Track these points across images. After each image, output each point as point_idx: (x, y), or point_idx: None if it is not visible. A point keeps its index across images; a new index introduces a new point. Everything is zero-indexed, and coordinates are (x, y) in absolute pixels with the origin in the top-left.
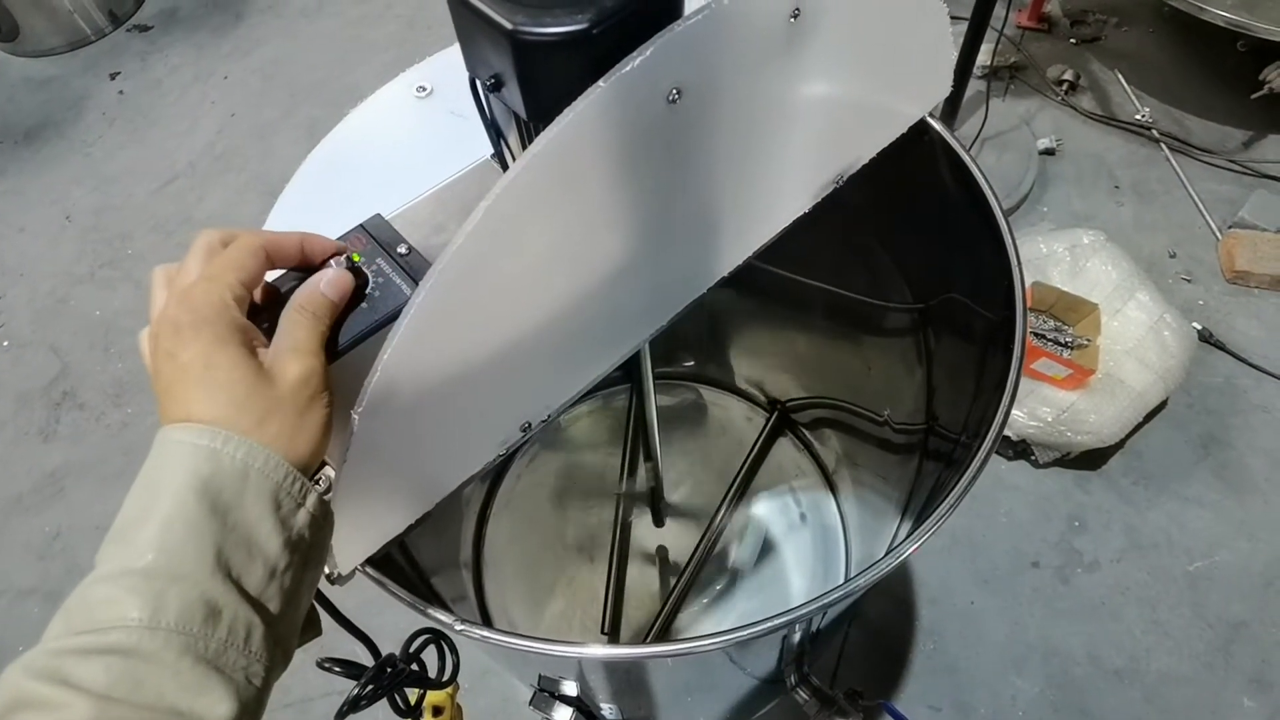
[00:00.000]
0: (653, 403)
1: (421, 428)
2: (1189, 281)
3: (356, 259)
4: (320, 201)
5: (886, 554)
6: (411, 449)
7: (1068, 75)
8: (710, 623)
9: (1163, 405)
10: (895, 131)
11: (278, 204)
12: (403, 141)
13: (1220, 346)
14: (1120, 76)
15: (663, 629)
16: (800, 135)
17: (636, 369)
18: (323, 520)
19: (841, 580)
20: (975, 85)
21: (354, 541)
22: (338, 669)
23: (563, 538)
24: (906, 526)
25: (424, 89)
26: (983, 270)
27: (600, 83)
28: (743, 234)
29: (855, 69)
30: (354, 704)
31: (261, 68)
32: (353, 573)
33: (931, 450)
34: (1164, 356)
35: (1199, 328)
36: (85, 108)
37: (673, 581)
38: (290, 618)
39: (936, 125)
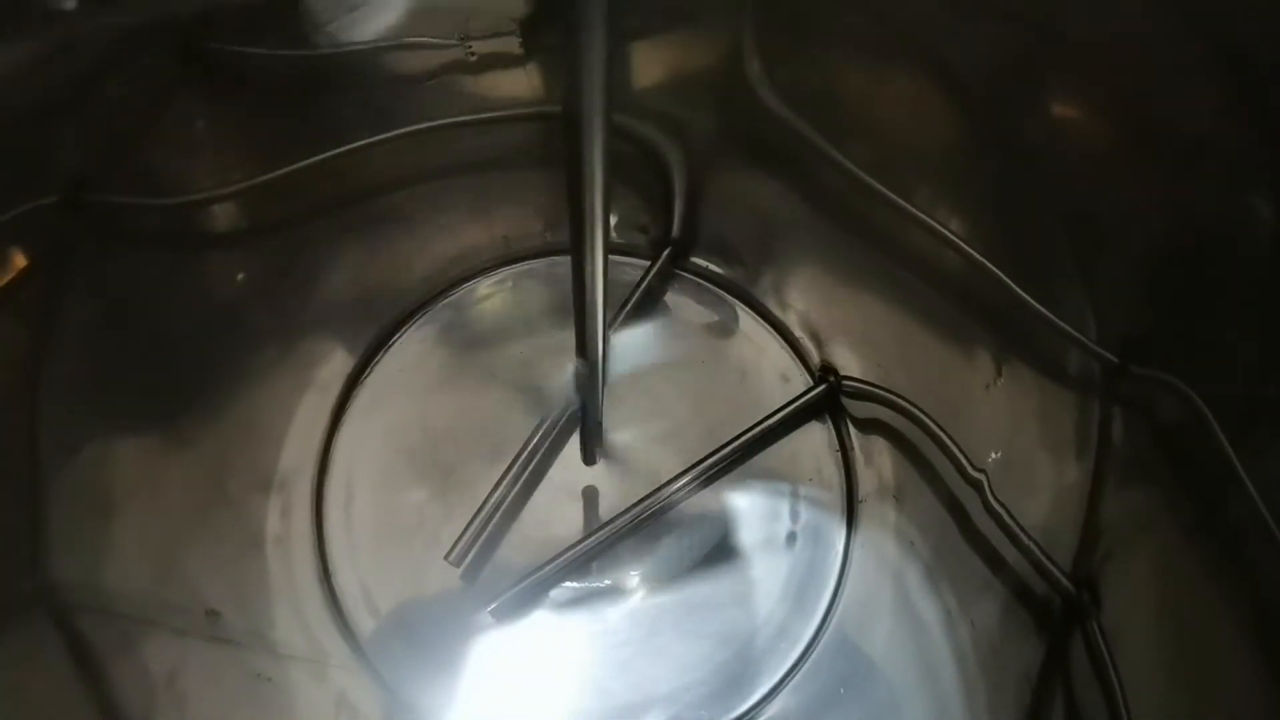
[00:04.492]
0: (600, 261)
1: None
2: None
3: None
4: None
5: None
6: None
7: None
8: (585, 623)
9: None
10: None
11: None
12: None
13: None
14: None
15: (525, 596)
16: None
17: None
18: None
19: (802, 647)
20: None
21: None
22: None
23: (468, 420)
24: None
25: None
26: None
27: None
28: None
29: None
30: None
31: None
32: None
33: (1069, 666)
34: None
35: None
36: None
37: (580, 538)
38: None
39: None
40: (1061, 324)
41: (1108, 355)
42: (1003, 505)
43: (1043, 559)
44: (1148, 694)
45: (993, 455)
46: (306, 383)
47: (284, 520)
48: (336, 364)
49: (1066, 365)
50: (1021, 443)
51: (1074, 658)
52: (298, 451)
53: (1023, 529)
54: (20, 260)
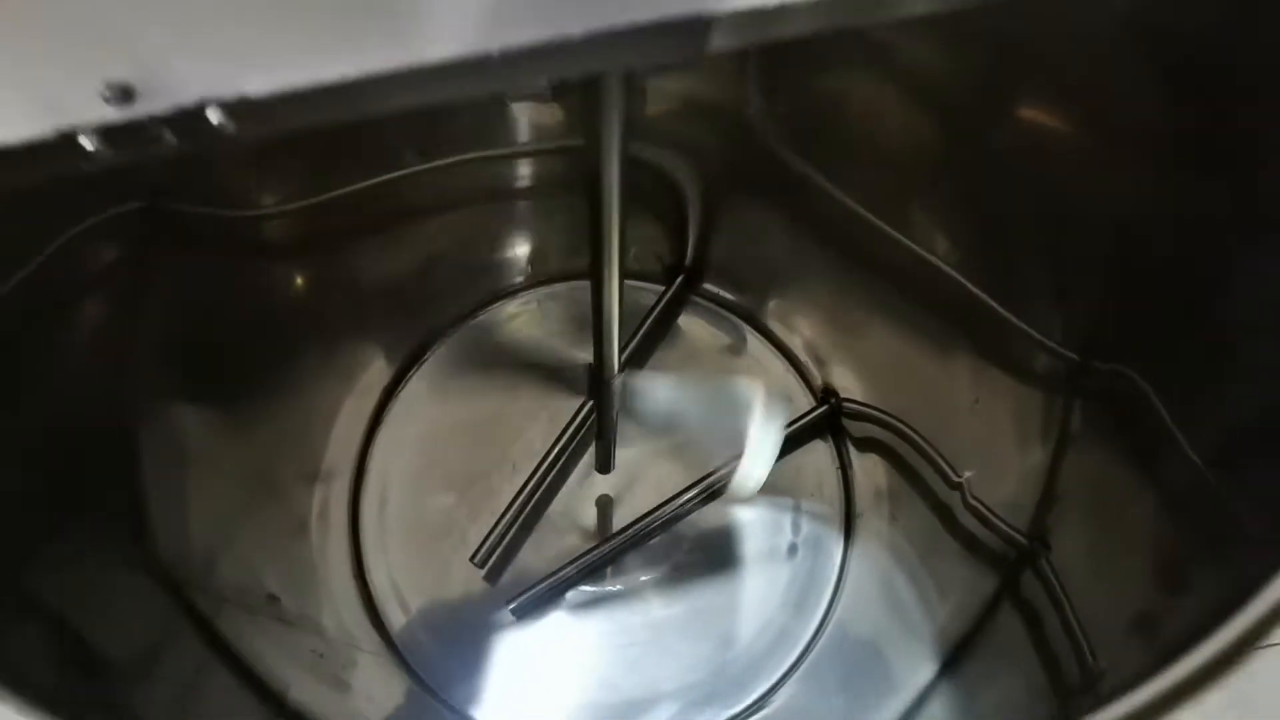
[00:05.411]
0: (615, 288)
1: None
2: None
3: None
4: None
5: None
6: None
7: None
8: (598, 622)
9: None
10: None
11: None
12: None
13: None
14: None
15: (544, 596)
16: None
17: (597, 207)
18: None
19: (801, 647)
20: None
21: None
22: None
23: (494, 430)
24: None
25: None
26: (1218, 376)
27: None
28: None
29: None
30: None
31: None
32: None
33: (1023, 599)
34: None
35: None
36: None
37: (595, 544)
38: None
39: None
40: (1034, 334)
41: (1072, 355)
42: (979, 501)
43: (1008, 529)
44: (1091, 601)
45: (967, 473)
46: (348, 389)
47: (321, 522)
48: (376, 373)
49: (1037, 368)
50: (997, 441)
51: (1025, 584)
52: (338, 453)
53: (998, 516)
54: (111, 254)
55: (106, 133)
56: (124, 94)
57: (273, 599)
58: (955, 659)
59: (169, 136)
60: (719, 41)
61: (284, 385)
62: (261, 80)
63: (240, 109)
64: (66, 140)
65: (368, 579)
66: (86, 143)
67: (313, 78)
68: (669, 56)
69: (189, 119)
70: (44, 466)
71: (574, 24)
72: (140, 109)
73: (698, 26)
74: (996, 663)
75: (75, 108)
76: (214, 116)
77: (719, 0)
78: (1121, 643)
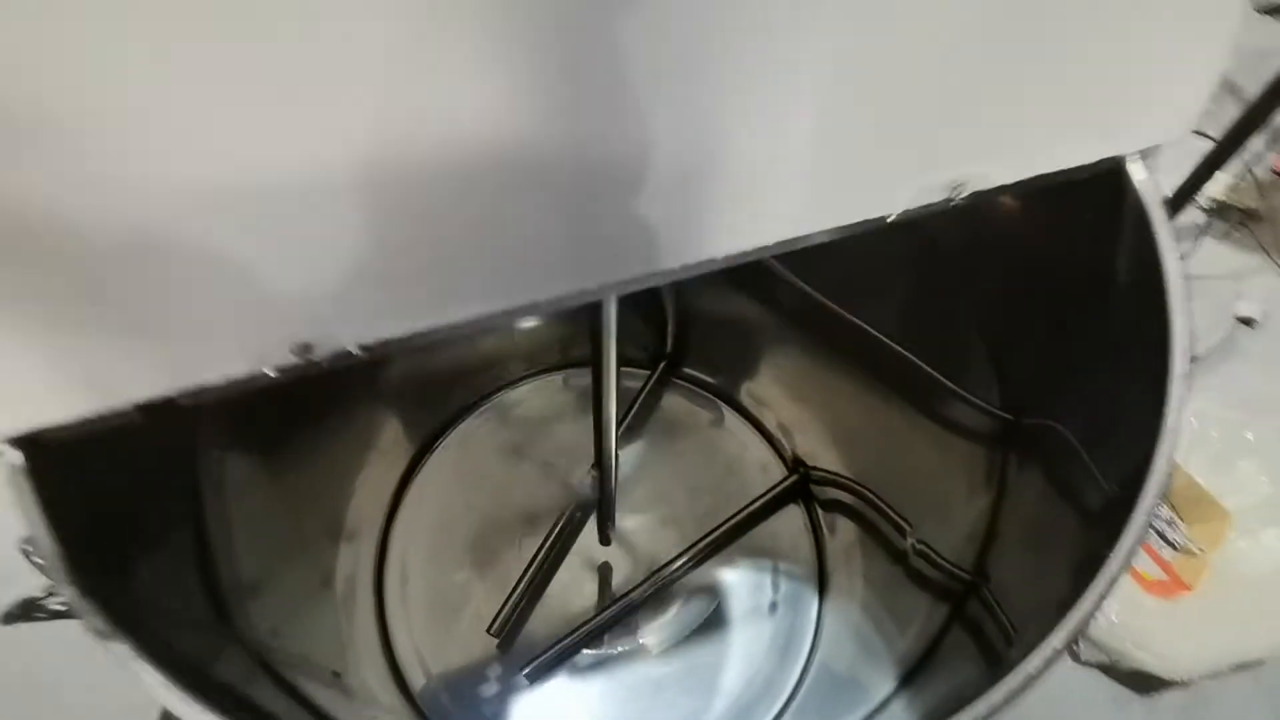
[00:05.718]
0: (612, 387)
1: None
2: None
3: None
4: None
5: None
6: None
7: None
8: (603, 682)
9: (1261, 662)
10: (1066, 159)
11: None
12: None
13: None
14: None
15: (553, 660)
16: (917, 85)
17: (596, 335)
18: None
19: (787, 692)
20: (1192, 214)
21: None
22: None
23: (502, 508)
24: (901, 700)
25: None
26: (1114, 420)
27: None
28: (772, 203)
29: (1051, 35)
30: None
31: None
32: None
33: (969, 617)
34: None
35: None
36: None
37: (597, 610)
38: None
39: (1141, 184)
40: (976, 400)
41: (1007, 416)
42: (930, 549)
43: (954, 570)
44: (1022, 607)
45: (911, 540)
46: (372, 468)
47: (348, 600)
48: (397, 453)
49: (979, 428)
50: (947, 493)
51: (970, 607)
52: (363, 528)
53: (947, 560)
54: None
55: (283, 369)
56: (305, 348)
57: (336, 675)
58: (914, 670)
59: (324, 366)
60: (683, 276)
61: (318, 459)
62: (393, 329)
63: (375, 345)
64: (256, 376)
65: (392, 645)
66: (268, 375)
67: (428, 324)
68: (643, 286)
69: (340, 355)
70: (131, 496)
71: (590, 282)
72: (312, 355)
73: (670, 274)
74: (947, 666)
75: (271, 358)
76: (355, 351)
77: (683, 256)
78: (1042, 626)
